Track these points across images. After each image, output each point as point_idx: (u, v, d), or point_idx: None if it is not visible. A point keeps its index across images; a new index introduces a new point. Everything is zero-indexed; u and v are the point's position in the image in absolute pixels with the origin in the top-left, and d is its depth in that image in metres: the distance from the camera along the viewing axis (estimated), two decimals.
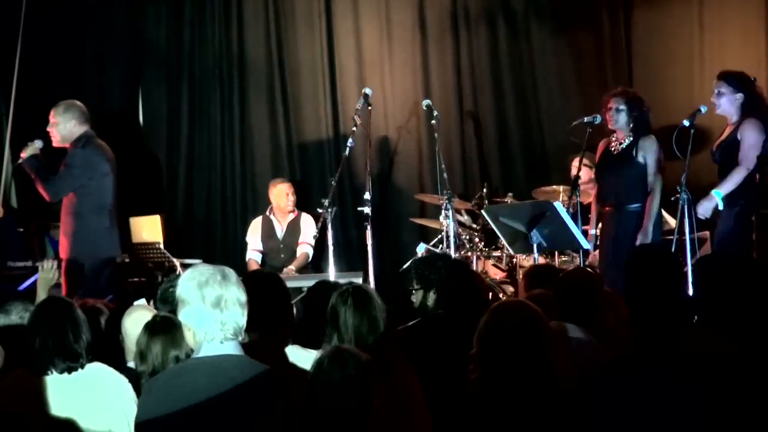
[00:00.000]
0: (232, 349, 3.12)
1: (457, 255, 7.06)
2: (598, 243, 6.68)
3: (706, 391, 2.96)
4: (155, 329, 3.85)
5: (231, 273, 3.18)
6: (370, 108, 7.36)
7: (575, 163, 6.96)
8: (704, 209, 6.12)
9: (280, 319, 4.02)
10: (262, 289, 3.83)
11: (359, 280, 6.32)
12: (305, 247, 8.28)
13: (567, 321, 4.18)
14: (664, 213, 6.70)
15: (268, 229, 8.42)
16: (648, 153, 6.40)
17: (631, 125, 6.45)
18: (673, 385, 2.99)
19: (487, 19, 8.75)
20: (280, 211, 8.40)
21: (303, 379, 3.26)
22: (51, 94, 7.58)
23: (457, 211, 7.56)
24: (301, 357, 3.85)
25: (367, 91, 7.35)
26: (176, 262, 7.44)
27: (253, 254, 8.43)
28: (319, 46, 9.02)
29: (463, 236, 7.61)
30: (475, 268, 7.41)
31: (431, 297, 4.58)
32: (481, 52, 8.77)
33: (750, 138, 6.14)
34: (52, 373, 3.68)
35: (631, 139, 6.45)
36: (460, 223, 7.66)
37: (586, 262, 6.61)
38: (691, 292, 4.30)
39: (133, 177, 8.45)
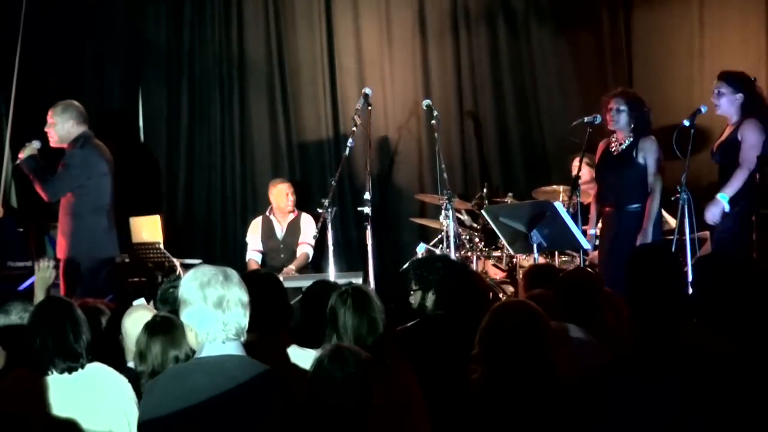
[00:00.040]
0: (234, 349, 3.12)
1: (457, 255, 7.06)
2: (597, 243, 6.69)
3: (707, 391, 2.96)
4: (155, 329, 3.85)
5: (233, 273, 3.19)
6: (370, 108, 7.36)
7: (575, 163, 6.97)
8: (712, 215, 6.11)
9: (278, 320, 4.03)
10: (260, 289, 3.83)
11: (359, 280, 6.33)
12: (305, 247, 8.28)
13: (567, 321, 4.18)
14: (664, 213, 6.70)
15: (268, 230, 8.42)
16: (648, 153, 6.40)
17: (632, 126, 6.45)
18: (673, 384, 2.99)
19: (487, 18, 8.75)
20: (280, 211, 8.40)
21: (302, 379, 3.26)
22: (51, 94, 7.58)
23: (457, 211, 7.55)
24: (300, 356, 3.85)
25: (367, 91, 7.35)
26: (176, 262, 7.44)
27: (253, 254, 8.43)
28: (319, 46, 9.02)
29: (463, 236, 7.61)
30: (475, 268, 7.41)
31: (430, 298, 4.58)
32: (481, 52, 8.77)
33: (750, 138, 6.13)
34: (52, 373, 3.68)
35: (631, 139, 6.45)
36: (460, 223, 7.66)
37: (586, 262, 6.61)
38: (690, 291, 4.30)
39: (133, 177, 8.46)
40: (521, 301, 3.81)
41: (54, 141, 6.73)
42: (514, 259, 7.37)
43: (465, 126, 8.83)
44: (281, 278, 7.13)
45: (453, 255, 6.90)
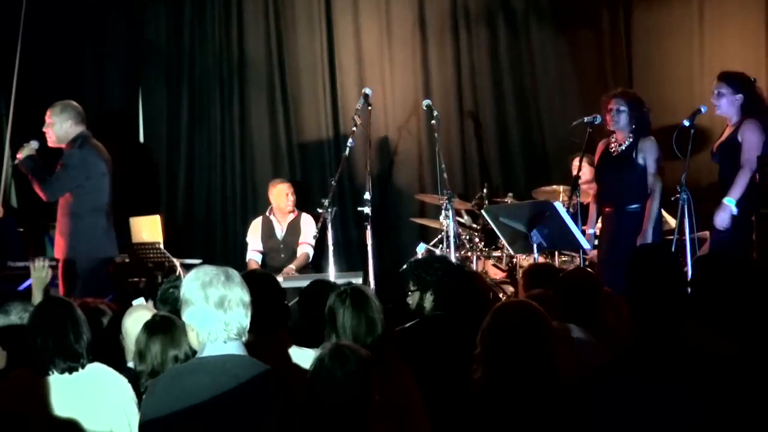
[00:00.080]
0: (236, 349, 3.12)
1: (457, 255, 7.07)
2: (596, 243, 6.69)
3: (706, 391, 2.96)
4: (154, 328, 3.85)
5: (235, 274, 3.19)
6: (370, 108, 7.36)
7: (575, 162, 6.97)
8: (722, 220, 6.09)
9: (278, 320, 4.03)
10: (259, 289, 3.83)
11: (359, 280, 6.34)
12: (305, 247, 8.28)
13: (567, 321, 4.18)
14: (664, 213, 6.70)
15: (268, 230, 8.42)
16: (647, 154, 6.39)
17: (632, 126, 6.44)
18: (673, 384, 2.99)
19: (487, 18, 8.75)
20: (280, 211, 8.40)
21: (303, 379, 3.26)
22: (51, 94, 7.59)
23: (457, 211, 7.55)
24: (301, 356, 3.85)
25: (367, 91, 7.35)
26: (176, 262, 7.43)
27: (254, 255, 8.43)
28: (319, 46, 9.02)
29: (463, 236, 7.61)
30: (475, 268, 7.41)
31: (428, 298, 4.58)
32: (481, 52, 8.77)
33: (751, 140, 6.12)
34: (53, 373, 3.68)
35: (631, 140, 6.44)
36: (460, 223, 7.66)
37: (586, 261, 6.61)
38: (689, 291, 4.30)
39: (133, 177, 8.46)
40: (523, 301, 3.81)
41: (52, 141, 6.72)
42: (514, 259, 7.38)
43: (465, 126, 8.83)
44: (281, 278, 7.17)
45: (453, 255, 6.90)
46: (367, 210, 6.86)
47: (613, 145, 6.55)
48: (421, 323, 4.51)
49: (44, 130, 6.73)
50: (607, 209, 6.57)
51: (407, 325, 4.54)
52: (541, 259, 6.53)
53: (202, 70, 9.26)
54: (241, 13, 9.19)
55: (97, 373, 3.76)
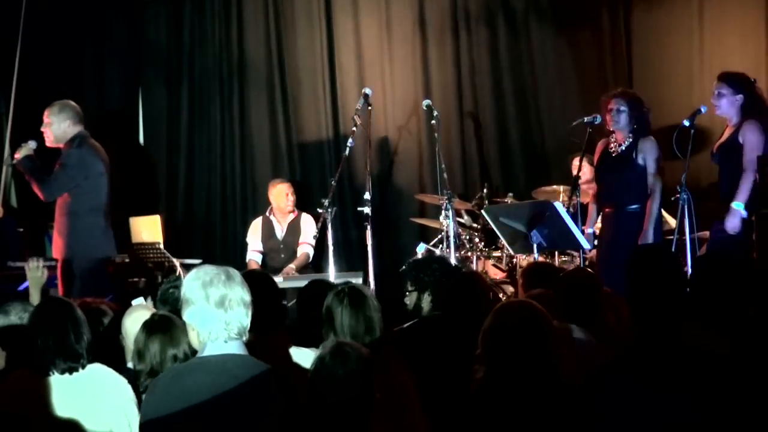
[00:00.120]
0: (236, 348, 3.12)
1: (457, 255, 7.06)
2: (596, 242, 6.69)
3: (706, 391, 2.96)
4: (153, 328, 3.84)
5: (235, 273, 3.19)
6: (370, 108, 7.36)
7: (575, 162, 6.97)
8: (732, 225, 6.07)
9: (277, 320, 4.03)
10: (257, 289, 3.83)
11: (359, 281, 6.34)
12: (305, 247, 8.28)
13: (567, 321, 4.18)
14: (664, 213, 6.70)
15: (268, 230, 8.42)
16: (647, 154, 6.39)
17: (632, 126, 6.44)
18: (673, 384, 2.99)
19: (487, 18, 8.75)
20: (280, 211, 8.39)
21: (304, 379, 3.26)
22: (51, 94, 7.58)
23: (457, 211, 7.55)
24: (301, 356, 3.85)
25: (367, 91, 7.35)
26: (176, 262, 7.42)
27: (254, 255, 8.43)
28: (319, 46, 9.02)
29: (463, 236, 7.61)
30: (475, 268, 7.41)
31: (426, 299, 4.58)
32: (481, 52, 8.76)
33: (752, 141, 6.11)
34: (53, 373, 3.68)
35: (631, 140, 6.44)
36: (460, 223, 7.66)
37: (586, 261, 6.61)
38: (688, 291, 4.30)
39: (132, 177, 8.46)
40: (524, 301, 3.80)
41: (50, 141, 6.73)
42: (514, 259, 7.37)
43: (465, 126, 8.83)
44: (281, 278, 7.17)
45: (453, 255, 6.90)
46: (367, 210, 6.85)
47: (612, 145, 6.55)
48: (419, 324, 4.51)
49: (42, 129, 6.73)
50: (607, 209, 6.57)
51: (405, 325, 4.54)
52: (540, 259, 6.53)
53: (202, 70, 9.26)
54: (241, 13, 9.19)
55: (98, 373, 3.76)
